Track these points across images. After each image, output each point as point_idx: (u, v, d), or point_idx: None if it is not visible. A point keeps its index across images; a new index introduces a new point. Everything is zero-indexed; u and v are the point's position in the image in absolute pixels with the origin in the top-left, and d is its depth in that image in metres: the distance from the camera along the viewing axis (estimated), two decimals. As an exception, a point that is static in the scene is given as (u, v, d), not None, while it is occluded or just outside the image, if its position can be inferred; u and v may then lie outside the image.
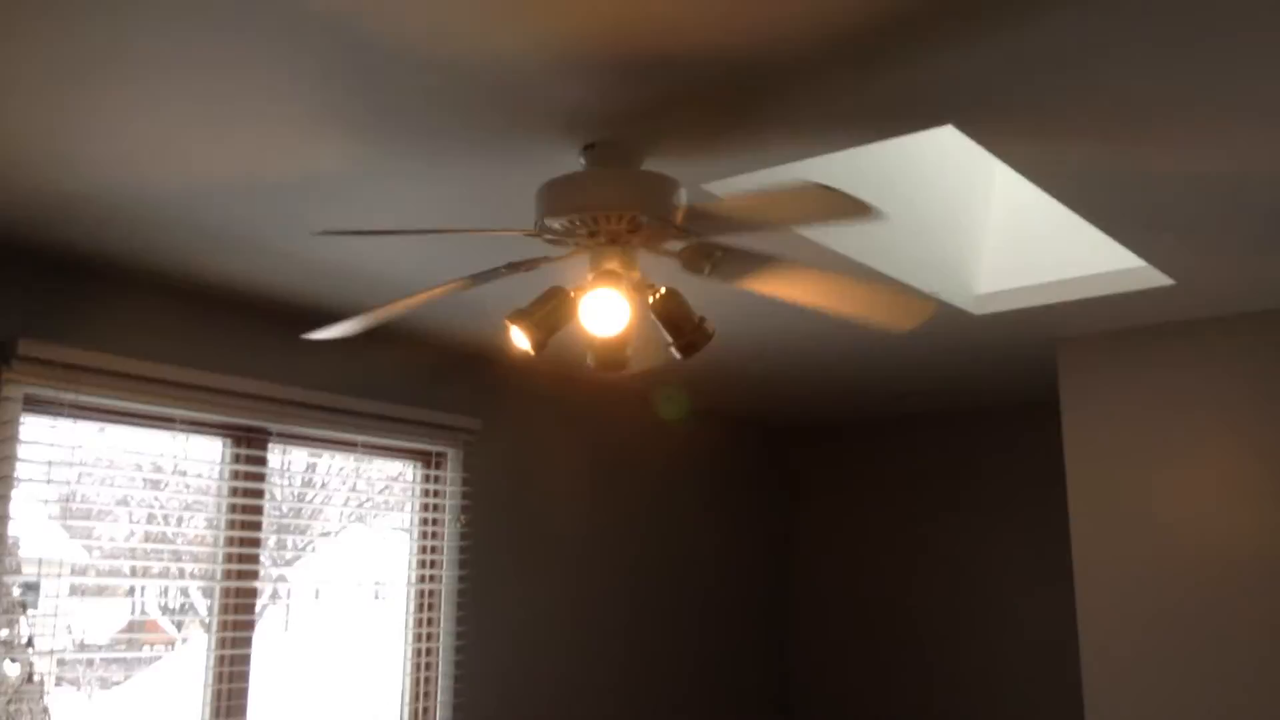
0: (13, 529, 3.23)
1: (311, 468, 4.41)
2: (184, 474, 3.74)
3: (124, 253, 3.30)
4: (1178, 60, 2.11)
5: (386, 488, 4.47)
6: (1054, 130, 2.45)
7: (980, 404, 5.68)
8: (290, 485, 4.22)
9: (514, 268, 2.55)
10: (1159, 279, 3.55)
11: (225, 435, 3.84)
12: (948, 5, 1.89)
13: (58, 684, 3.47)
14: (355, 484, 4.42)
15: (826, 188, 2.03)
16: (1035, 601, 5.43)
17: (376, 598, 4.40)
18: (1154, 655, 3.95)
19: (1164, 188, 2.80)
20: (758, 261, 2.50)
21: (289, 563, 4.23)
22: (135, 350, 3.51)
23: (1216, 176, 2.72)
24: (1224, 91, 2.25)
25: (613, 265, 2.43)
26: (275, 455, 4.00)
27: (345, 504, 4.42)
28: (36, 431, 3.32)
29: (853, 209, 2.08)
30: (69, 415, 3.38)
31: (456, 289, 2.61)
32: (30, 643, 3.35)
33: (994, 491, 5.69)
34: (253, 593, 3.84)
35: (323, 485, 4.46)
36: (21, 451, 3.26)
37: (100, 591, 3.73)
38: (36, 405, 3.33)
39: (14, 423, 3.24)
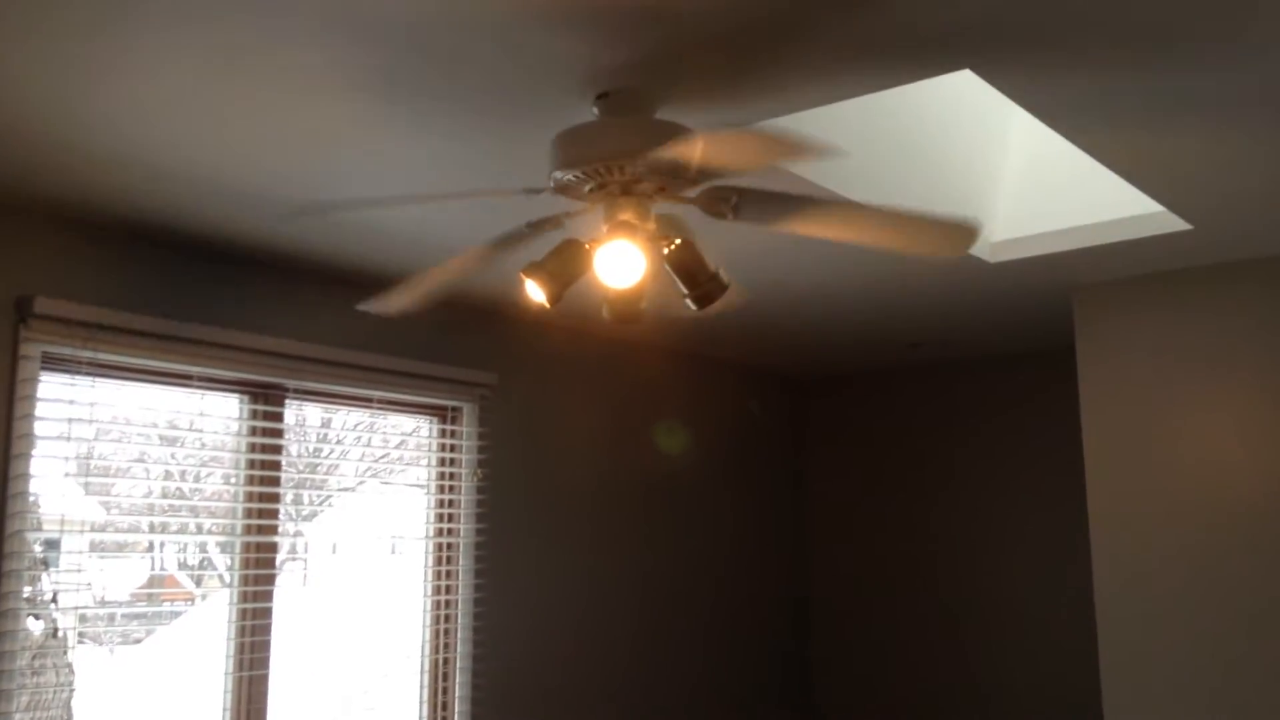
0: (33, 487, 3.25)
1: (327, 424, 4.43)
2: (200, 431, 3.76)
3: (139, 210, 3.29)
4: (1200, 21, 2.08)
5: (402, 443, 4.49)
6: (1073, 74, 2.42)
7: (996, 352, 5.66)
8: (306, 441, 4.24)
9: (534, 226, 2.53)
10: (1176, 224, 3.52)
11: (242, 392, 3.86)
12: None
13: (80, 640, 3.51)
14: (370, 440, 4.43)
15: (780, 132, 2.01)
16: (1052, 550, 5.44)
17: (394, 552, 4.44)
18: (1170, 604, 3.96)
19: (1181, 133, 2.76)
20: (782, 202, 2.46)
21: (306, 518, 4.26)
22: (152, 308, 3.51)
23: (1240, 118, 2.68)
24: (1252, 29, 2.21)
25: (627, 216, 2.41)
26: (290, 412, 4.02)
27: (361, 460, 4.44)
28: (54, 390, 3.34)
29: (807, 149, 2.05)
30: (86, 373, 3.39)
31: (484, 257, 2.60)
32: (55, 599, 3.39)
33: (1011, 440, 5.68)
34: (273, 548, 3.87)
35: (338, 441, 4.48)
36: (40, 409, 3.28)
37: (120, 548, 3.76)
38: (54, 363, 3.33)
39: (33, 380, 3.25)
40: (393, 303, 2.81)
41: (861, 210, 2.45)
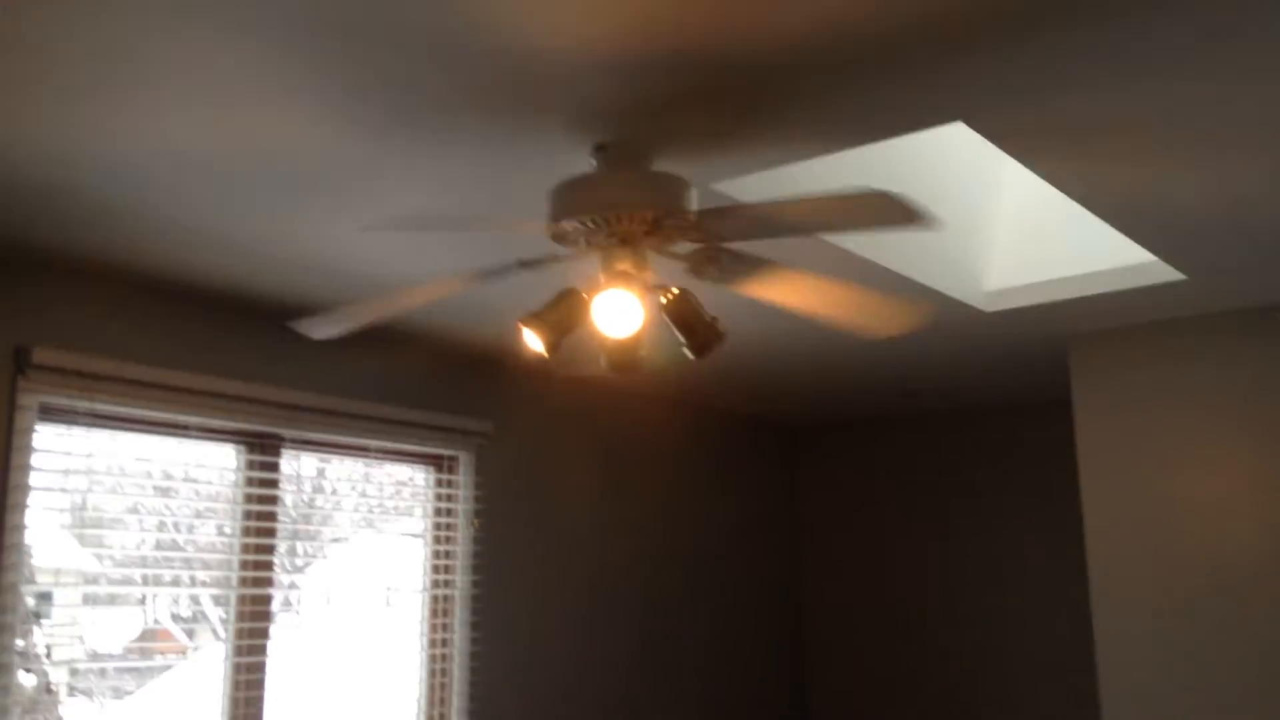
0: (27, 538, 3.23)
1: (321, 473, 4.41)
2: (195, 481, 3.74)
3: (135, 259, 3.30)
4: (1190, 66, 2.11)
5: (396, 492, 4.47)
6: (1065, 127, 2.44)
7: (992, 401, 5.66)
8: (301, 491, 4.23)
9: (525, 265, 2.54)
10: (1170, 274, 3.54)
11: (239, 442, 3.85)
12: (959, 7, 1.89)
13: (71, 694, 3.47)
14: (364, 489, 4.42)
15: (885, 193, 2.04)
16: (1049, 600, 5.41)
17: (388, 603, 4.40)
18: (1169, 653, 3.93)
19: (1176, 185, 2.79)
20: (756, 266, 2.51)
21: (300, 569, 4.23)
22: (149, 357, 3.52)
23: (1230, 176, 2.71)
24: (1237, 99, 2.24)
25: (625, 266, 2.42)
26: (286, 461, 4.01)
27: (355, 509, 4.42)
28: (51, 440, 3.33)
29: (910, 216, 2.09)
30: (84, 424, 3.39)
31: (465, 285, 2.61)
32: (49, 653, 3.36)
33: (1006, 489, 5.68)
34: (268, 599, 3.84)
35: (333, 491, 4.46)
36: (36, 460, 3.27)
37: (112, 600, 3.73)
38: (51, 413, 3.33)
39: (29, 431, 3.24)
40: (330, 325, 2.76)
41: (817, 282, 2.54)
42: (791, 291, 2.62)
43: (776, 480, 6.32)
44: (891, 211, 2.12)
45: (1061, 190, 2.86)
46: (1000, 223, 3.82)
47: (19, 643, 3.20)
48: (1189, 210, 2.98)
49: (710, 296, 2.71)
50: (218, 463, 3.81)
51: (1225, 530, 3.90)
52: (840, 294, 2.59)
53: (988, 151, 3.46)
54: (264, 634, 3.80)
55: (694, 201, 2.39)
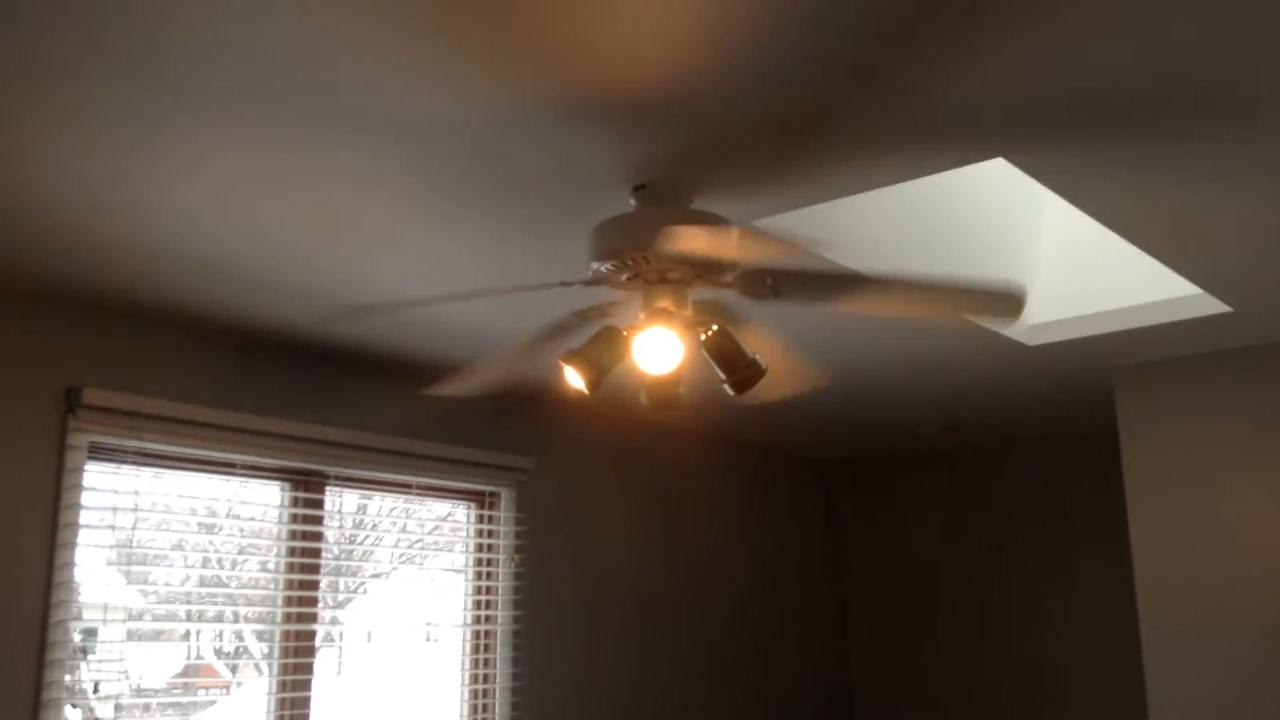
0: (75, 575, 3.27)
1: (362, 509, 4.44)
2: (239, 518, 3.78)
3: (183, 301, 3.36)
4: (1231, 101, 2.10)
5: (436, 528, 4.49)
6: (1106, 162, 2.43)
7: (1035, 434, 5.61)
8: (343, 527, 4.25)
9: (581, 315, 2.56)
10: (1216, 306, 3.51)
11: (283, 479, 3.89)
12: (994, 42, 1.89)
13: (116, 730, 3.49)
14: (405, 525, 4.44)
15: (1012, 288, 2.05)
16: (1098, 635, 5.33)
17: (429, 639, 4.41)
18: (1220, 688, 3.86)
19: (1220, 217, 2.77)
20: (819, 280, 2.48)
21: (341, 605, 4.25)
22: (197, 397, 3.57)
23: (1274, 207, 2.68)
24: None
25: (665, 303, 2.44)
26: (329, 498, 4.04)
27: (396, 545, 4.44)
28: (99, 479, 3.38)
29: (1018, 313, 2.10)
30: (132, 462, 3.44)
31: (534, 345, 2.64)
32: (95, 688, 3.39)
33: (1051, 523, 5.61)
34: (312, 635, 3.86)
35: (373, 527, 4.48)
36: (85, 499, 3.31)
37: (157, 636, 3.76)
38: (101, 453, 3.38)
39: (79, 470, 3.29)
40: (454, 388, 2.90)
41: (902, 284, 2.44)
42: (877, 302, 2.55)
43: (819, 515, 6.28)
44: (1007, 306, 2.14)
45: (1104, 224, 2.84)
46: (1042, 255, 3.80)
47: (66, 678, 3.23)
48: (1233, 242, 2.96)
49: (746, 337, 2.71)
50: (262, 499, 3.85)
51: (1274, 563, 3.83)
52: (931, 294, 2.49)
53: (1028, 183, 3.45)
54: (307, 669, 3.82)
55: (735, 240, 2.39)
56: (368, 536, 4.44)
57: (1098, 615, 5.33)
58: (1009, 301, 2.41)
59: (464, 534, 4.50)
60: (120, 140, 2.28)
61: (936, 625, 5.91)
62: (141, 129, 2.22)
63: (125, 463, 3.42)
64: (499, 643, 4.43)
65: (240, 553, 3.82)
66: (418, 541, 4.48)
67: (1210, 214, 2.77)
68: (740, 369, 2.54)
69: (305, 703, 3.79)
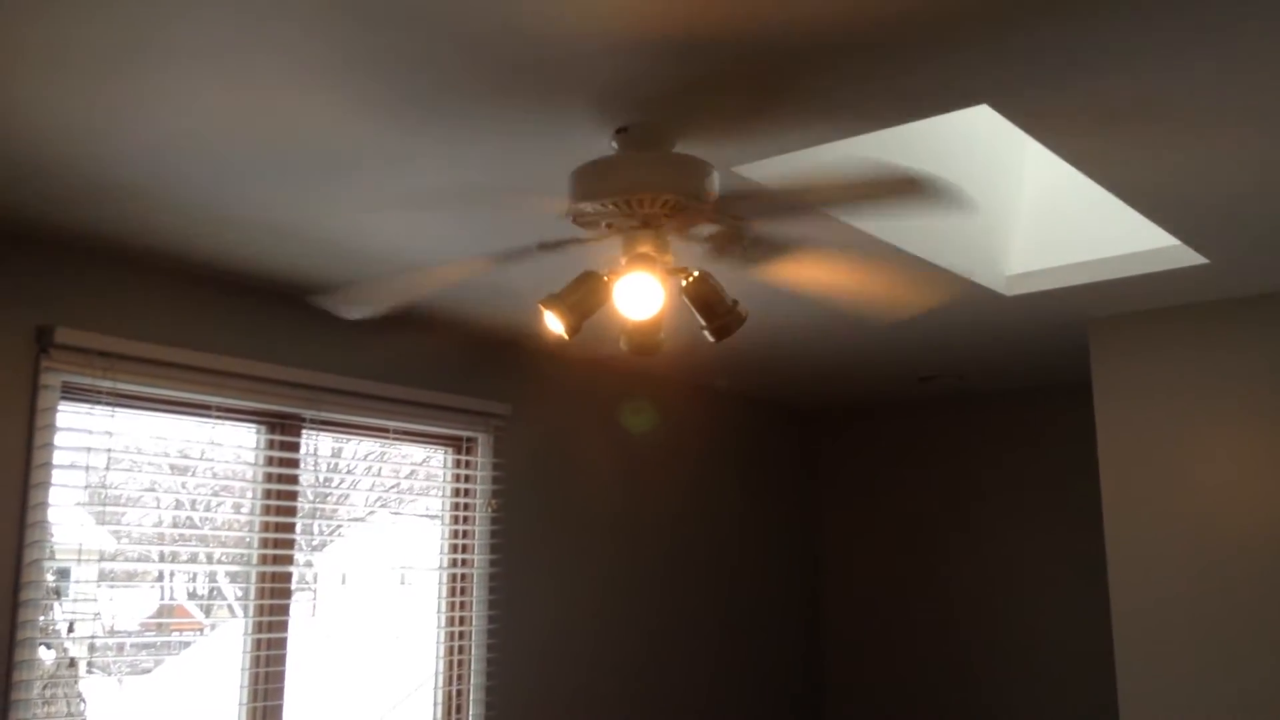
0: (49, 516, 3.25)
1: (338, 453, 4.43)
2: (213, 460, 3.77)
3: (157, 240, 3.31)
4: (1214, 48, 2.09)
5: (412, 473, 4.49)
6: (1089, 109, 2.43)
7: (1012, 385, 5.65)
8: (318, 471, 4.25)
9: (545, 248, 2.55)
10: (1193, 258, 3.52)
11: (259, 422, 3.87)
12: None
13: (89, 670, 3.50)
14: (380, 469, 4.43)
15: (913, 174, 2.02)
16: (1068, 584, 5.41)
17: (404, 583, 4.43)
18: (1190, 638, 3.93)
19: (1200, 169, 2.77)
20: (778, 247, 2.50)
21: (317, 548, 4.26)
22: (172, 338, 3.53)
23: (1254, 159, 2.69)
24: (1264, 81, 2.22)
25: (646, 249, 2.43)
26: (305, 441, 4.02)
27: (372, 489, 4.44)
28: (72, 419, 3.35)
29: (939, 197, 2.07)
30: (106, 403, 3.41)
31: (484, 268, 2.61)
32: (71, 628, 3.39)
33: (1027, 473, 5.67)
34: (288, 578, 3.86)
35: (349, 471, 4.48)
36: (58, 439, 3.28)
37: (130, 578, 3.76)
38: (74, 393, 3.35)
39: (52, 411, 3.26)
40: (358, 306, 2.80)
41: (845, 261, 2.49)
42: (813, 273, 2.61)
43: (795, 463, 6.32)
44: (919, 193, 2.11)
45: (1085, 173, 2.84)
46: (1021, 206, 3.80)
47: (40, 619, 3.23)
48: (1212, 194, 2.96)
49: (727, 280, 2.70)
50: (236, 442, 3.83)
51: (1245, 514, 3.89)
52: (861, 275, 2.58)
53: (1009, 134, 3.44)
54: (283, 611, 3.83)
55: (715, 184, 2.38)
56: (344, 481, 4.44)
57: (1072, 564, 5.40)
58: (921, 188, 2.41)
59: (441, 479, 4.50)
60: (91, 78, 2.23)
61: (911, 570, 5.97)
62: (113, 66, 2.18)
63: (99, 403, 3.39)
64: (475, 586, 4.45)
65: (215, 495, 3.81)
66: (394, 486, 4.47)
67: (1190, 166, 2.76)
68: (720, 315, 2.54)
69: (281, 644, 3.80)
